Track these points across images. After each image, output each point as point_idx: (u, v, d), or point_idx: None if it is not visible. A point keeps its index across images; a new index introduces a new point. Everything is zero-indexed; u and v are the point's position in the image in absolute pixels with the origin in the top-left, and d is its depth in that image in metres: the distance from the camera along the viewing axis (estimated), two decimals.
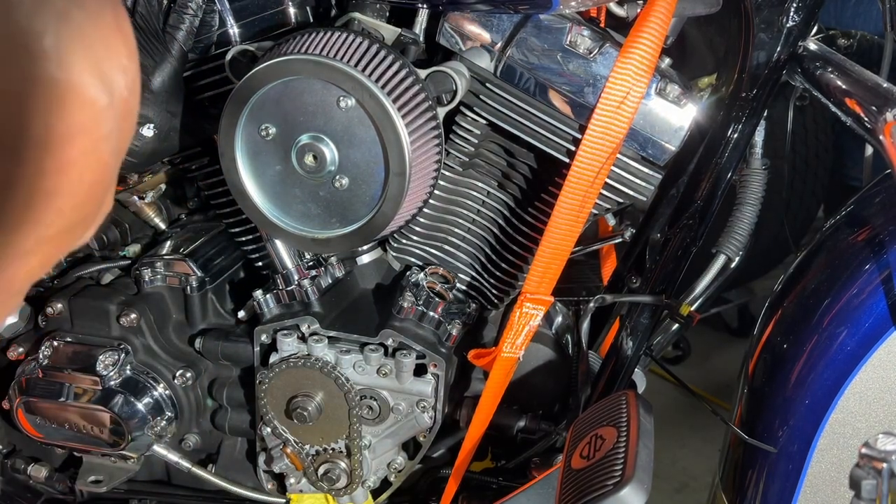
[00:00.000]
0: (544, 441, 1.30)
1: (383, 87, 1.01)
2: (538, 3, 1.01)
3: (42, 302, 1.35)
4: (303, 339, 1.22)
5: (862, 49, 1.51)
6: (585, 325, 1.26)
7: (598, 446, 1.02)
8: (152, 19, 1.07)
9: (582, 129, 1.07)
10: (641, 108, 1.07)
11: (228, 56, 1.10)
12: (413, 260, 1.29)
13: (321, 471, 1.28)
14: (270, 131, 1.05)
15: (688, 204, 1.18)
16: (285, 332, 1.22)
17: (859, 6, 2.53)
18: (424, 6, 1.11)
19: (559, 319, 1.37)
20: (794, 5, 1.07)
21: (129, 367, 1.31)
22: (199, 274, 1.32)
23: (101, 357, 1.30)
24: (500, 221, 1.23)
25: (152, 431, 1.31)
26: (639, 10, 1.06)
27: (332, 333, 1.22)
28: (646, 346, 1.25)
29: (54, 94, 0.40)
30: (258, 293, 1.25)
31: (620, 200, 1.16)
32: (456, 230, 1.25)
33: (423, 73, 1.07)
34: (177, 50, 1.09)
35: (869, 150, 1.28)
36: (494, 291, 1.26)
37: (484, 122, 1.15)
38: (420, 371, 1.21)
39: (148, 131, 1.09)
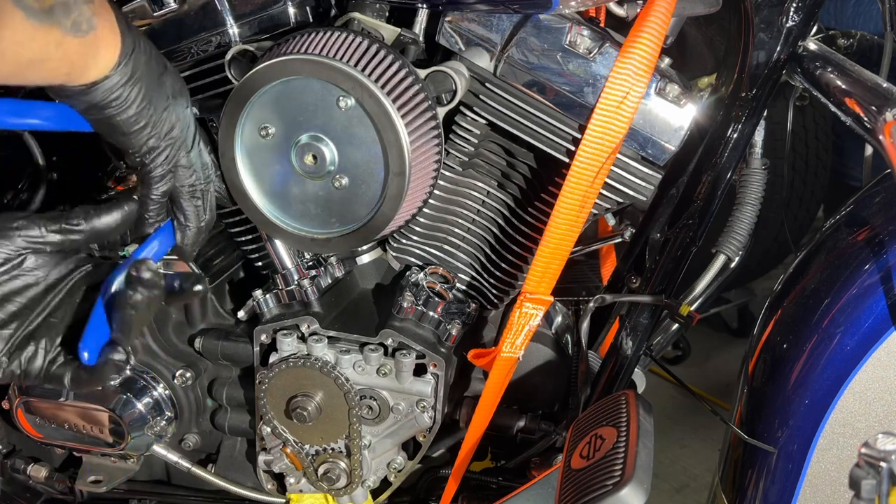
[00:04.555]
0: (544, 441, 1.30)
1: (383, 86, 1.01)
2: (538, 3, 1.01)
3: None
4: (302, 338, 1.22)
5: (862, 49, 1.50)
6: (585, 325, 1.26)
7: (598, 446, 1.02)
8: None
9: (582, 129, 1.07)
10: (641, 107, 1.07)
11: (228, 56, 1.10)
12: (413, 260, 1.29)
13: (321, 471, 1.28)
14: (270, 131, 1.05)
15: (688, 204, 1.18)
16: (285, 331, 1.22)
17: (859, 6, 2.54)
18: (424, 6, 1.11)
19: (559, 319, 1.37)
20: (794, 5, 1.07)
21: (128, 367, 1.31)
22: (198, 274, 1.32)
23: None
24: (500, 221, 1.23)
25: (152, 431, 1.31)
26: (639, 10, 1.06)
27: (331, 333, 1.22)
28: (646, 346, 1.25)
29: None
30: (258, 293, 1.25)
31: (620, 200, 1.16)
32: (456, 230, 1.25)
33: (422, 73, 1.07)
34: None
35: (869, 150, 1.28)
36: (494, 291, 1.26)
37: (484, 122, 1.15)
38: (420, 371, 1.21)
39: None
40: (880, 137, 0.93)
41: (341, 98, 1.01)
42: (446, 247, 1.26)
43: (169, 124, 0.95)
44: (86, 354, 0.85)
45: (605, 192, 1.13)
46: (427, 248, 1.27)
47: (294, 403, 1.22)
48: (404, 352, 1.19)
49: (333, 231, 1.10)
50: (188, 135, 0.98)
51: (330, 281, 1.26)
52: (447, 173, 1.20)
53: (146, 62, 0.90)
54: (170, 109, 0.94)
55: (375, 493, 1.35)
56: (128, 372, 1.31)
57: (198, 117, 1.12)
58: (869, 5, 2.51)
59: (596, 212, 1.16)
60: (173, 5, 1.13)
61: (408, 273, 1.26)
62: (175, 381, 1.32)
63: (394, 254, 1.29)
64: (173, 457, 1.36)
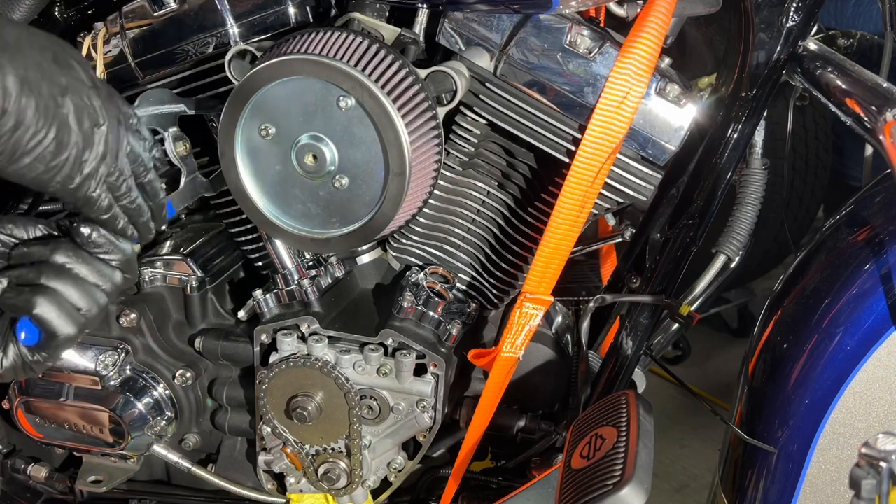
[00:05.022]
0: (544, 441, 1.30)
1: (383, 86, 1.01)
2: (538, 3, 1.01)
3: None
4: (303, 338, 1.22)
5: (862, 49, 1.51)
6: (585, 325, 1.26)
7: (598, 446, 1.02)
8: None
9: (582, 129, 1.07)
10: (641, 107, 1.07)
11: (228, 56, 1.10)
12: (413, 260, 1.29)
13: (321, 471, 1.28)
14: (270, 131, 1.05)
15: (688, 204, 1.18)
16: (285, 331, 1.22)
17: (859, 6, 2.54)
18: (424, 6, 1.11)
19: (559, 319, 1.37)
20: (794, 5, 1.07)
21: (129, 367, 1.31)
22: (199, 274, 1.32)
23: (101, 357, 1.30)
24: (500, 221, 1.23)
25: (152, 431, 1.31)
26: (639, 10, 1.06)
27: (331, 333, 1.22)
28: (646, 346, 1.25)
29: None
30: (258, 293, 1.25)
31: (620, 200, 1.16)
32: (456, 230, 1.25)
33: (423, 72, 1.07)
34: None
35: (869, 150, 1.28)
36: (494, 291, 1.26)
37: (484, 122, 1.15)
38: (420, 371, 1.21)
39: None
40: (880, 137, 0.93)
41: (341, 98, 1.01)
42: (446, 247, 1.26)
43: (93, 152, 0.82)
44: (23, 335, 0.85)
45: (605, 192, 1.13)
46: (427, 248, 1.27)
47: (294, 403, 1.22)
48: (404, 352, 1.19)
49: (333, 231, 1.10)
50: (113, 146, 0.85)
51: (330, 281, 1.26)
52: (447, 173, 1.20)
53: (36, 105, 0.76)
54: (86, 136, 0.81)
55: (375, 493, 1.35)
56: (128, 372, 1.31)
57: (195, 114, 1.12)
58: (869, 5, 2.51)
59: (596, 212, 1.16)
60: (173, 5, 1.13)
61: (408, 273, 1.26)
62: (175, 381, 1.32)
63: (394, 254, 1.29)
64: (173, 457, 1.36)
